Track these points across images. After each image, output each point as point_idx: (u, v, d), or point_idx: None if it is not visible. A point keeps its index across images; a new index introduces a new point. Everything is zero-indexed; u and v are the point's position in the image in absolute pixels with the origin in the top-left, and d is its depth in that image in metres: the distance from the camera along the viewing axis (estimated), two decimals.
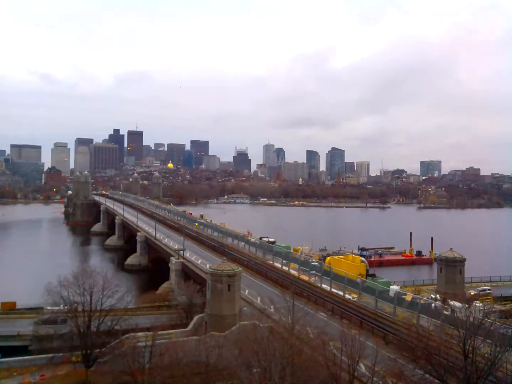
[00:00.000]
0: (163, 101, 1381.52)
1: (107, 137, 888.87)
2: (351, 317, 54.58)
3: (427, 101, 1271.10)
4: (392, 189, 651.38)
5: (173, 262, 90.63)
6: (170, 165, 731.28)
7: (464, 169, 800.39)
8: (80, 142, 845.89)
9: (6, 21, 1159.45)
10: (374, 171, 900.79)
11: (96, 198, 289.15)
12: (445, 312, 46.23)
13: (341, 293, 62.65)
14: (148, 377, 41.88)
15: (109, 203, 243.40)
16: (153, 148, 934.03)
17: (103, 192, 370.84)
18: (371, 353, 36.06)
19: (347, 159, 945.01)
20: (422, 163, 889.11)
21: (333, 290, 64.59)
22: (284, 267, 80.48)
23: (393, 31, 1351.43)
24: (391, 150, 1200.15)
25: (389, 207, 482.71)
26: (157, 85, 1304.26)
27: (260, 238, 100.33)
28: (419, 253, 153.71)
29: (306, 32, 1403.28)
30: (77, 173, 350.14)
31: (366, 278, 71.73)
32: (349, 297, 61.22)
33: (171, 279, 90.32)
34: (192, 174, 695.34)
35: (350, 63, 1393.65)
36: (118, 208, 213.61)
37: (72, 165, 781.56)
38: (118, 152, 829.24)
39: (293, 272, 75.84)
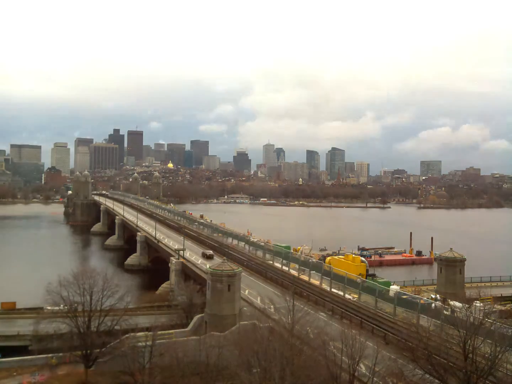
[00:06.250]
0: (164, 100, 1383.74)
1: (107, 137, 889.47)
2: (351, 317, 54.54)
3: None
4: (392, 189, 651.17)
5: (173, 262, 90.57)
6: (170, 165, 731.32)
7: (464, 169, 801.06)
8: (80, 142, 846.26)
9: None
10: (374, 171, 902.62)
11: (96, 198, 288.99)
12: (445, 312, 46.16)
13: (341, 293, 62.56)
14: (148, 377, 41.89)
15: (109, 203, 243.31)
16: (153, 148, 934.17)
17: (103, 192, 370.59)
18: (371, 353, 36.04)
19: (347, 159, 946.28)
20: (422, 163, 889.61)
21: (333, 290, 64.50)
22: (284, 267, 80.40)
23: None
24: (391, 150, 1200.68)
25: (389, 207, 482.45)
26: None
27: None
28: (419, 253, 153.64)
29: None
30: (77, 173, 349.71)
31: (366, 278, 71.56)
32: (349, 297, 61.15)
33: (171, 279, 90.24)
34: (192, 174, 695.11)
35: None
36: (118, 208, 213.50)
37: (72, 165, 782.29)
38: (118, 152, 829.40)
39: (293, 272, 75.77)
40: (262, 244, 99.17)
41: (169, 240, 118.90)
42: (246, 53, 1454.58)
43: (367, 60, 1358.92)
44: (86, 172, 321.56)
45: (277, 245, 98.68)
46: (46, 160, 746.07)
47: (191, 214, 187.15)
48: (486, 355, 34.17)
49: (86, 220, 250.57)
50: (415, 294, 62.84)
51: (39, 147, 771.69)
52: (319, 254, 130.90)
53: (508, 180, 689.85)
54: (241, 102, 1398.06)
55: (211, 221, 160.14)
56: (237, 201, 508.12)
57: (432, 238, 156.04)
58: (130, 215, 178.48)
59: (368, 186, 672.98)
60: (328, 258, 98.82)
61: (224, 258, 67.72)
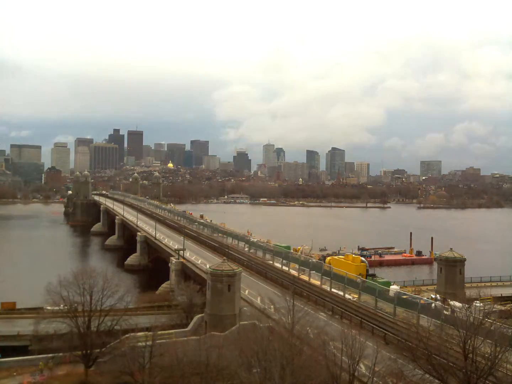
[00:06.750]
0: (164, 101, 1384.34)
1: (107, 137, 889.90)
2: (351, 317, 54.57)
3: None
4: (392, 189, 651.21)
5: (173, 262, 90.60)
6: (170, 165, 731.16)
7: (464, 169, 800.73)
8: (80, 142, 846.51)
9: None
10: (374, 171, 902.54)
11: (96, 198, 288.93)
12: (445, 312, 46.19)
13: (341, 293, 62.58)
14: (148, 377, 41.86)
15: (109, 203, 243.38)
16: (153, 148, 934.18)
17: (103, 192, 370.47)
18: (371, 353, 36.02)
19: (347, 159, 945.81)
20: (422, 163, 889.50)
21: (333, 290, 64.53)
22: (284, 267, 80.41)
23: None
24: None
25: (389, 207, 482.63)
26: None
27: None
28: (419, 253, 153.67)
29: None
30: (77, 173, 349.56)
31: (366, 278, 71.57)
32: (349, 297, 61.17)
33: (171, 279, 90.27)
34: (192, 174, 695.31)
35: None
36: (118, 208, 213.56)
37: (72, 165, 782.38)
38: (118, 152, 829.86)
39: (293, 272, 75.78)
40: (262, 244, 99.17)
41: (169, 240, 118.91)
42: (249, 53, 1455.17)
43: (367, 59, 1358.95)
44: (86, 172, 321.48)
45: (277, 245, 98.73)
46: (46, 160, 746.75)
47: (191, 214, 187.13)
48: (486, 355, 34.14)
49: (86, 220, 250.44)
50: (415, 294, 62.84)
51: (39, 147, 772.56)
52: (319, 254, 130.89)
53: (508, 180, 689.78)
54: (241, 102, 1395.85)
55: (211, 221, 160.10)
56: (237, 201, 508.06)
57: (432, 238, 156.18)
58: (130, 215, 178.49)
59: (368, 186, 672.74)
60: (328, 258, 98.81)
61: (224, 258, 67.71)
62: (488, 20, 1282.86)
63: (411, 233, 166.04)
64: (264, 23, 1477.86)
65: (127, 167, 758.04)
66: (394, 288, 61.24)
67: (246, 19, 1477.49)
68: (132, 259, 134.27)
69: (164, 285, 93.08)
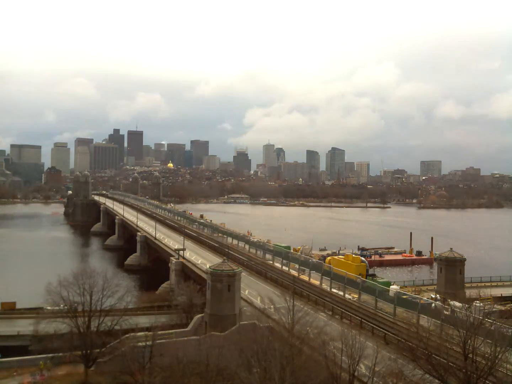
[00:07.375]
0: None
1: (107, 137, 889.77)
2: (351, 317, 54.56)
3: None
4: (392, 189, 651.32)
5: (173, 262, 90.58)
6: (170, 165, 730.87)
7: (464, 169, 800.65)
8: (80, 142, 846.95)
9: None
10: (374, 171, 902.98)
11: (96, 198, 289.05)
12: (445, 312, 46.20)
13: (341, 293, 62.59)
14: (148, 377, 41.88)
15: (109, 203, 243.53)
16: (153, 148, 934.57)
17: (103, 192, 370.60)
18: (371, 353, 36.04)
19: (347, 159, 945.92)
20: (422, 163, 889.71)
21: (333, 290, 64.54)
22: (284, 267, 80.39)
23: None
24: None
25: (389, 207, 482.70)
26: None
27: None
28: (419, 253, 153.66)
29: None
30: (77, 173, 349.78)
31: (366, 278, 71.55)
32: (349, 297, 61.18)
33: (171, 279, 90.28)
34: (192, 174, 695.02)
35: None
36: (118, 208, 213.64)
37: (72, 165, 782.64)
38: (118, 152, 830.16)
39: (293, 272, 75.76)
40: (262, 244, 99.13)
41: (169, 240, 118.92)
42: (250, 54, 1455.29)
43: (367, 56, 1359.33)
44: (86, 172, 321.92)
45: (277, 245, 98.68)
46: (46, 160, 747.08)
47: (191, 214, 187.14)
48: (486, 355, 34.16)
49: (86, 220, 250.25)
50: (415, 294, 62.85)
51: (39, 147, 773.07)
52: (319, 254, 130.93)
53: (508, 180, 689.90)
54: (241, 102, 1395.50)
55: (211, 221, 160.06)
56: (237, 201, 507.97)
57: (432, 238, 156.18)
58: (130, 215, 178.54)
59: (368, 186, 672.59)
60: (328, 258, 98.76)
61: (224, 258, 67.69)
62: None
63: (411, 233, 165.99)
64: (265, 29, 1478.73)
65: (127, 167, 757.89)
66: (394, 288, 61.23)
67: (245, 19, 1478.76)
68: (132, 259, 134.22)
69: (164, 285, 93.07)
